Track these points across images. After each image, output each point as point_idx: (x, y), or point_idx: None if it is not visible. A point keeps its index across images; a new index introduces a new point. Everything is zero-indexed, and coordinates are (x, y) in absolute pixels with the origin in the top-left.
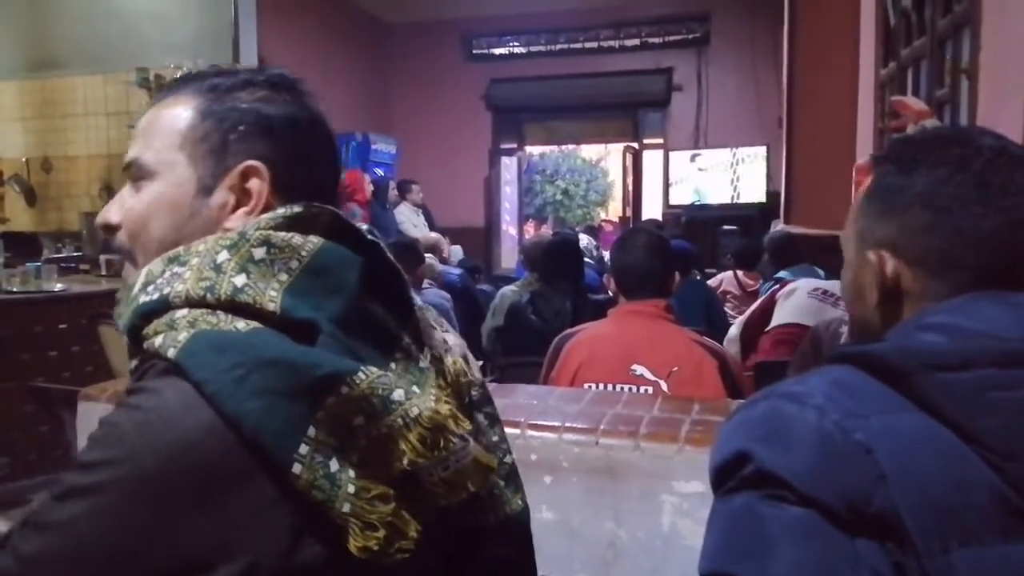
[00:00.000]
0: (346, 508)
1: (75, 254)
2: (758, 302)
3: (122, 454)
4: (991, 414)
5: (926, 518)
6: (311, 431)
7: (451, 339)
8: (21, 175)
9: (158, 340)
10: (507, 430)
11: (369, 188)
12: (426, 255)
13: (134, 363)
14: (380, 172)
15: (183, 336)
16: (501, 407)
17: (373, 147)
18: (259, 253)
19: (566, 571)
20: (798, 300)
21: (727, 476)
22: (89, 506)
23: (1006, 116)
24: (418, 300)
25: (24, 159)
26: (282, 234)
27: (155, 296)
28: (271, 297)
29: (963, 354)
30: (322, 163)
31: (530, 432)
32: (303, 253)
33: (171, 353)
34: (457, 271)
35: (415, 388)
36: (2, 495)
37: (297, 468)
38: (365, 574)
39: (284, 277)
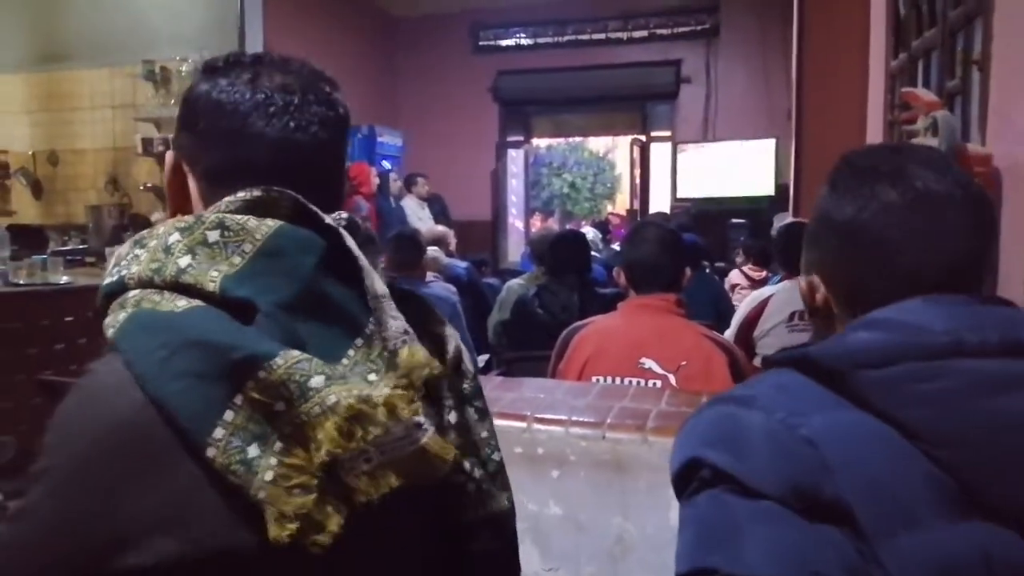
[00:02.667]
0: (261, 495)
1: (81, 247)
2: (752, 307)
3: (60, 438)
4: (917, 405)
5: (871, 506)
6: (228, 415)
7: (448, 330)
8: (28, 168)
9: (107, 320)
10: (513, 424)
11: (375, 181)
12: (433, 247)
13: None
14: (387, 165)
15: (122, 316)
16: (508, 401)
17: (379, 140)
18: (213, 236)
19: (573, 565)
20: (779, 337)
21: (687, 481)
22: (42, 489)
23: (1018, 107)
24: (380, 288)
25: (31, 152)
26: (237, 217)
27: (115, 278)
28: (211, 278)
29: (887, 351)
30: (246, 141)
31: (537, 426)
32: (257, 236)
33: (110, 333)
34: (463, 264)
35: (373, 376)
36: (9, 487)
37: (211, 452)
38: (304, 560)
39: (237, 260)
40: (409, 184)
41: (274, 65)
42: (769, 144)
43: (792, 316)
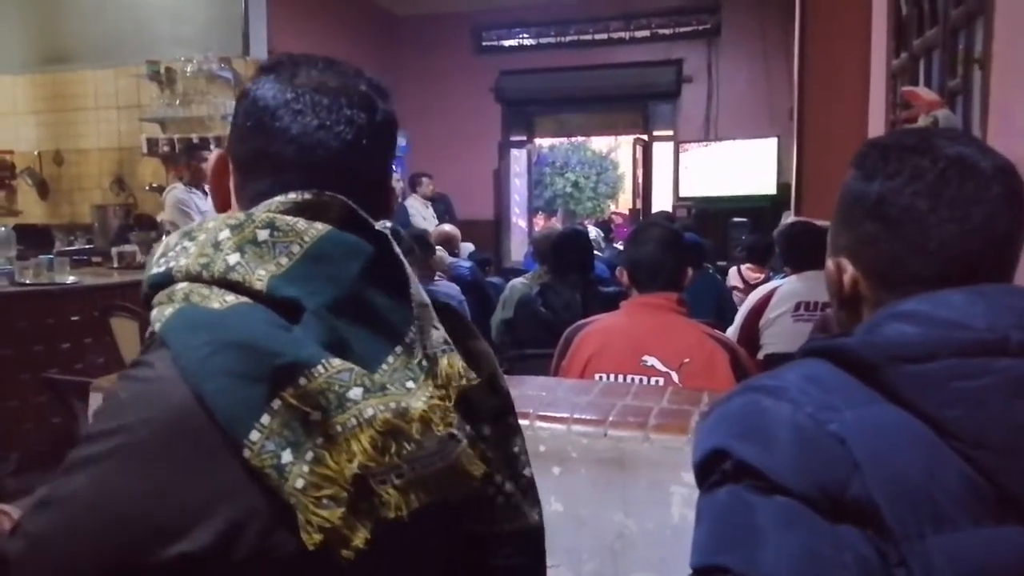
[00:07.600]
0: (292, 501)
1: (87, 247)
2: (759, 296)
3: (117, 425)
4: (957, 403)
5: (900, 505)
6: (264, 419)
7: (482, 346)
8: (33, 168)
9: (154, 313)
10: None
11: None
12: (439, 247)
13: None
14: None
15: (169, 311)
16: None
17: None
18: (263, 235)
19: (575, 562)
20: (784, 326)
21: (709, 472)
22: (88, 477)
23: (1019, 106)
24: (424, 297)
25: (36, 152)
26: (287, 218)
27: (162, 268)
28: (259, 276)
29: (928, 345)
30: (271, 135)
31: (539, 423)
32: (305, 239)
33: (157, 327)
34: (467, 264)
35: (410, 384)
36: (14, 487)
37: (247, 453)
38: (335, 563)
39: (284, 260)
40: (414, 184)
41: (315, 66)
42: (771, 143)
43: (798, 306)
